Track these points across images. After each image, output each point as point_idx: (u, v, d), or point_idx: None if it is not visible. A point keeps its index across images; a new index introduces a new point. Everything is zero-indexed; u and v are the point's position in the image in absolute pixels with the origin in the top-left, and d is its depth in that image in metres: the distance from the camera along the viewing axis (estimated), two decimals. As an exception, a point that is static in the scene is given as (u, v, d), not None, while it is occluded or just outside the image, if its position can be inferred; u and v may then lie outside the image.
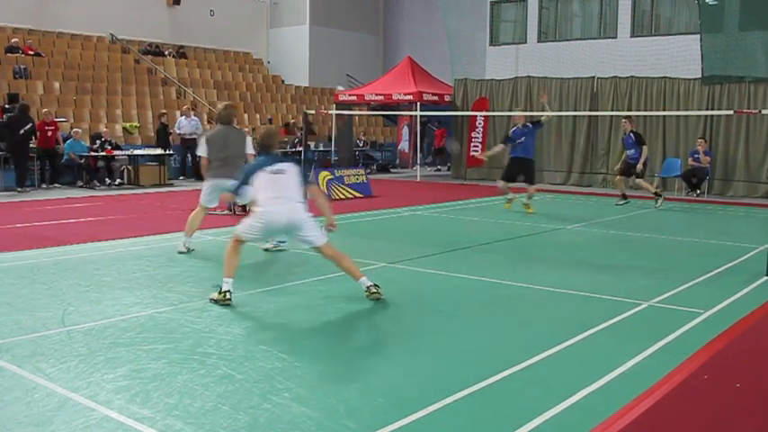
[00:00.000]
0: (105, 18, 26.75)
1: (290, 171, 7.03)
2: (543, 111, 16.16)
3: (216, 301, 6.80)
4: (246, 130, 16.11)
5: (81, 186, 18.46)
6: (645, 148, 15.73)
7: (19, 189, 17.18)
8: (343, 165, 22.40)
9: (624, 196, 16.14)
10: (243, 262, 8.52)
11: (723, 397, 4.78)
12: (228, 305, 6.72)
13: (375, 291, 6.96)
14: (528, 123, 14.54)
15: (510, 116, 22.26)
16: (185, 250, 9.44)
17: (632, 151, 15.67)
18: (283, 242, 9.66)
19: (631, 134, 15.76)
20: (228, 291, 6.81)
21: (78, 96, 22.21)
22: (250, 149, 9.60)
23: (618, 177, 16.30)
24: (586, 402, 4.52)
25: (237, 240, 7.04)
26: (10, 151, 17.38)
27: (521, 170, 14.44)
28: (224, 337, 5.80)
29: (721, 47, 19.45)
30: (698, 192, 18.55)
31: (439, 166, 27.56)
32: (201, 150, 9.44)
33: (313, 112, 19.06)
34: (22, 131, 17.09)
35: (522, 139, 14.21)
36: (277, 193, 6.87)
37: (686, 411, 4.51)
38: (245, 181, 7.12)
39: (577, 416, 4.32)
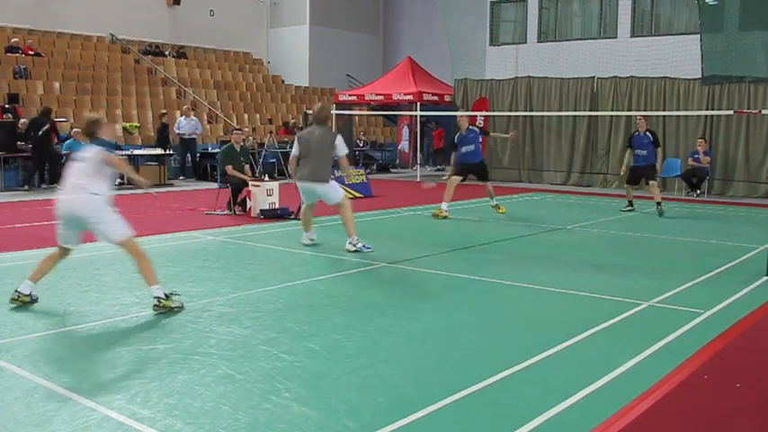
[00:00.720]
0: (105, 18, 26.76)
1: (89, 157, 6.50)
2: (504, 134, 15.80)
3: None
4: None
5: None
6: (659, 150, 14.68)
7: (26, 188, 17.84)
8: (343, 165, 22.37)
9: (631, 203, 14.95)
10: (244, 261, 8.53)
11: (723, 397, 4.78)
12: (28, 303, 6.62)
13: (162, 303, 6.48)
14: (473, 127, 14.13)
15: (510, 116, 22.39)
16: (308, 242, 10.23)
17: (644, 152, 14.34)
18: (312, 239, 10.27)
19: (648, 133, 14.43)
20: (20, 292, 6.62)
21: (78, 96, 22.21)
22: (342, 151, 9.70)
23: (626, 186, 14.99)
24: (586, 402, 4.53)
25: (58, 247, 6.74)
26: (32, 151, 17.96)
27: (472, 172, 14.11)
28: (224, 337, 5.80)
29: (721, 47, 19.45)
30: (698, 192, 18.57)
31: (439, 166, 27.46)
32: (293, 149, 9.99)
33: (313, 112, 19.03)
34: (40, 132, 17.70)
35: (472, 147, 13.78)
36: (68, 181, 6.55)
37: (686, 411, 4.51)
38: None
39: (577, 416, 4.32)
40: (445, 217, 13.41)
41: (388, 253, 9.67)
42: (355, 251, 9.56)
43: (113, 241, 6.53)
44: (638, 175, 14.53)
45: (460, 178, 13.94)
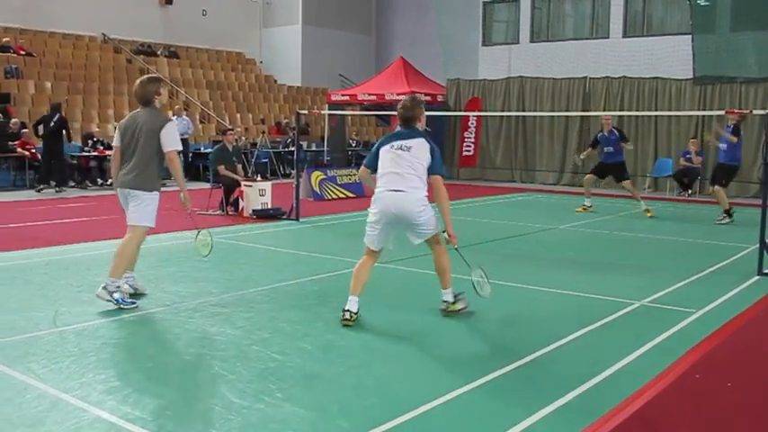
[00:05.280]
0: (97, 17, 26.65)
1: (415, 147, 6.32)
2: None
3: None
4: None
5: (73, 186, 18.39)
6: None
7: (40, 188, 17.36)
8: (335, 165, 22.38)
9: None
10: (237, 261, 8.52)
11: (715, 396, 4.79)
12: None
13: (449, 308, 6.51)
14: (614, 130, 14.58)
15: (502, 116, 22.42)
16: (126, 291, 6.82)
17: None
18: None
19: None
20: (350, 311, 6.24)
21: (70, 96, 22.12)
22: (172, 144, 6.72)
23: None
24: (578, 402, 4.53)
25: None
26: (44, 147, 17.56)
27: (609, 172, 14.94)
28: (216, 337, 5.79)
29: (713, 47, 19.53)
30: (689, 192, 18.63)
31: None
32: (114, 138, 7.09)
33: (306, 112, 19.03)
34: (52, 123, 17.29)
35: (611, 148, 14.47)
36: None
37: (678, 410, 4.53)
38: None
39: (569, 415, 4.33)
40: (585, 209, 14.73)
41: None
42: (109, 302, 6.53)
43: (424, 239, 6.32)
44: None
45: (595, 177, 15.04)
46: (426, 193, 6.16)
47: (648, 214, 14.04)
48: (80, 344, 5.54)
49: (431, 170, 6.19)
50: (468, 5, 25.10)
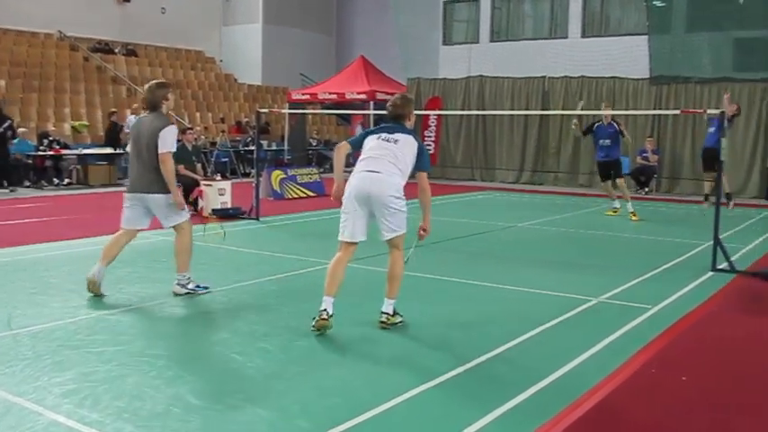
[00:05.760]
0: (53, 14, 26.22)
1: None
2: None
3: None
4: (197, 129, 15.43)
5: (28, 186, 18.06)
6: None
7: None
8: (296, 164, 22.30)
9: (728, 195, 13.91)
10: (195, 261, 8.45)
11: (670, 390, 4.87)
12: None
13: (389, 321, 6.15)
14: (613, 122, 13.81)
15: (462, 115, 22.55)
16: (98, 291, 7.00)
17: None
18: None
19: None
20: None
21: (25, 95, 21.75)
22: (165, 147, 6.84)
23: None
24: (536, 399, 4.58)
25: None
26: None
27: (608, 168, 13.99)
28: (175, 338, 5.74)
29: (668, 48, 19.91)
30: (646, 190, 18.93)
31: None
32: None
33: (266, 110, 18.92)
34: (1, 129, 16.88)
35: (608, 141, 13.75)
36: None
37: (634, 405, 4.59)
38: None
39: (527, 413, 4.37)
40: (615, 211, 14.03)
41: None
42: (186, 294, 7.15)
43: (393, 235, 6.11)
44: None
45: (604, 182, 14.23)
46: (403, 183, 6.12)
47: (609, 213, 14.14)
48: (35, 346, 5.44)
49: (418, 167, 6.23)
50: (429, 5, 25.21)
